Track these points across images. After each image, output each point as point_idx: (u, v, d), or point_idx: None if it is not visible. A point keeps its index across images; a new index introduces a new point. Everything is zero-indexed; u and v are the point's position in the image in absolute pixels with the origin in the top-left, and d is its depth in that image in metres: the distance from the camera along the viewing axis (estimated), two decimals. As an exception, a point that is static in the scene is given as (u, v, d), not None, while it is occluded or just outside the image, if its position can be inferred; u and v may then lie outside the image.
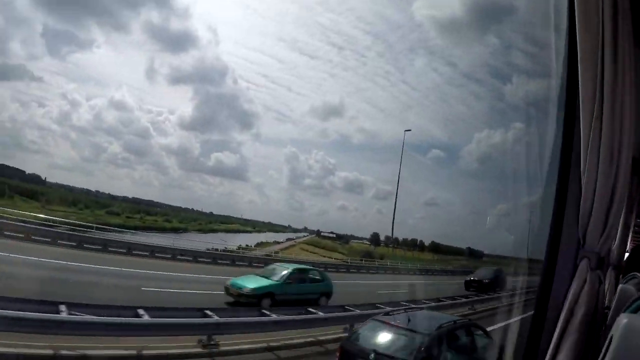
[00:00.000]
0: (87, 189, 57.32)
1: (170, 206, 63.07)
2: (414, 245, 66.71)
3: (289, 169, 79.84)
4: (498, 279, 20.16)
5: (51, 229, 17.90)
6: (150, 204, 61.43)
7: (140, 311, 7.19)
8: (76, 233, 18.35)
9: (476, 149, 76.44)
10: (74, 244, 16.03)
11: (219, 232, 54.31)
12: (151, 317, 7.09)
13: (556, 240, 1.74)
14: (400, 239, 66.50)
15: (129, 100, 74.61)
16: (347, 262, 34.86)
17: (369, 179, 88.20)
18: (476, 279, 20.85)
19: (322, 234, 63.56)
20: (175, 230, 45.50)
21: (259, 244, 41.46)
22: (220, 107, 76.22)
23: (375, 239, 67.34)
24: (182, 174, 77.97)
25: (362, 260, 40.63)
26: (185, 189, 75.12)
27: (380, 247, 65.47)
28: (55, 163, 71.67)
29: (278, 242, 52.42)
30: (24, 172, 53.35)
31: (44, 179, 53.30)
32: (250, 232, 61.04)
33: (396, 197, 45.03)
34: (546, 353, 1.65)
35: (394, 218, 46.87)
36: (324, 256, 44.84)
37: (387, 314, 6.77)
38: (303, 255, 39.20)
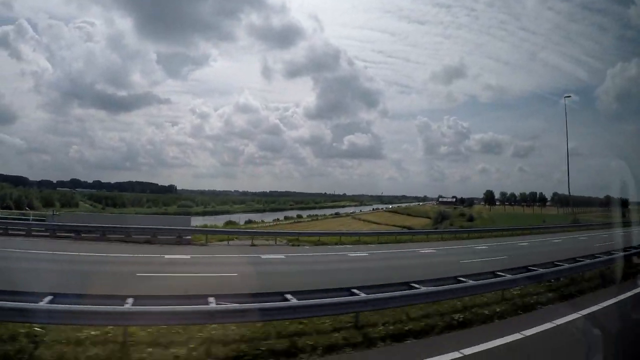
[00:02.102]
0: (226, 190, 65.56)
1: (309, 194, 67.83)
2: (532, 199, 58.44)
3: (422, 140, 78.03)
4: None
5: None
6: (288, 194, 66.71)
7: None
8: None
9: (612, 87, 63.28)
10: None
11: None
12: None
13: None
14: (526, 193, 58.53)
15: (253, 102, 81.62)
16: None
17: (506, 137, 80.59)
18: None
19: (441, 200, 60.71)
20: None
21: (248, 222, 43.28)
22: (342, 90, 77.31)
23: (489, 197, 61.24)
24: (319, 162, 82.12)
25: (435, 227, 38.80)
26: (325, 175, 79.19)
27: (496, 207, 58.67)
28: (200, 172, 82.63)
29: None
30: (156, 184, 63.36)
31: (175, 188, 62.67)
32: (351, 206, 61.90)
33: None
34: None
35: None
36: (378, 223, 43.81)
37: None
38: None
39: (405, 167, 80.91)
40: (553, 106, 73.24)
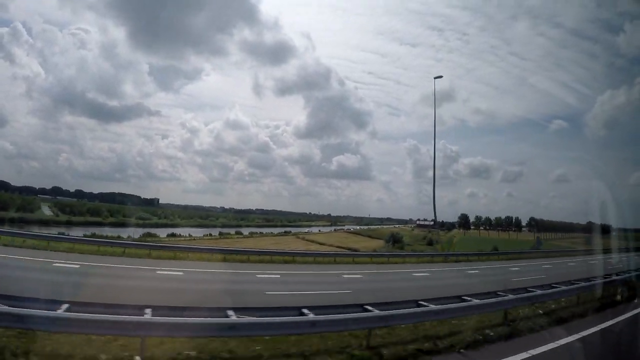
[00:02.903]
0: (214, 207, 64.12)
1: (295, 213, 67.09)
2: (508, 224, 59.90)
3: (411, 163, 78.73)
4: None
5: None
6: (274, 212, 65.78)
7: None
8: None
9: (601, 114, 66.70)
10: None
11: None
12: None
13: None
14: (502, 217, 59.18)
15: (244, 118, 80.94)
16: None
17: (495, 162, 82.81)
18: None
19: (419, 223, 61.64)
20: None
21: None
22: (333, 110, 77.73)
23: (463, 221, 62.20)
24: (308, 181, 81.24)
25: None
26: (313, 195, 78.20)
27: (471, 232, 59.57)
28: (188, 187, 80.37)
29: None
30: (139, 197, 62.31)
31: (157, 202, 61.32)
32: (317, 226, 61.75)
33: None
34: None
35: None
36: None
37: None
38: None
39: (393, 189, 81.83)
40: (542, 132, 75.75)
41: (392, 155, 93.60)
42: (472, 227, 61.11)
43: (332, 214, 69.30)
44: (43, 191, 56.54)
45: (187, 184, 78.34)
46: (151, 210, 58.35)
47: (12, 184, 54.66)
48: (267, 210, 67.61)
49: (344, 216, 68.27)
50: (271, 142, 79.10)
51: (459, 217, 62.34)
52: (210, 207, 63.85)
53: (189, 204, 65.43)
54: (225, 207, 64.54)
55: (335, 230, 61.71)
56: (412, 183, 76.27)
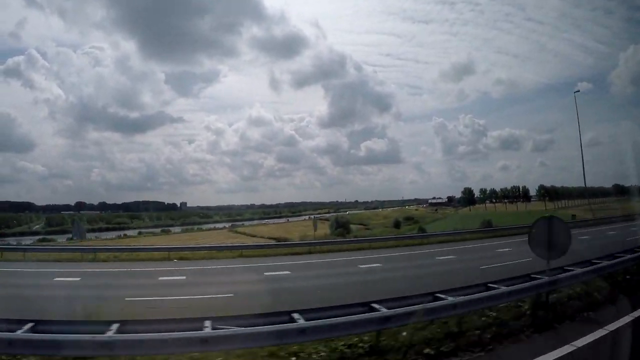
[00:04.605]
0: (244, 204, 64.05)
1: (326, 203, 67.79)
2: (515, 195, 57.21)
3: (440, 141, 77.31)
4: None
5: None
6: (307, 205, 65.49)
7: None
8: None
9: (626, 70, 63.41)
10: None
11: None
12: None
13: None
14: (508, 188, 56.54)
15: (266, 114, 79.85)
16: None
17: (523, 132, 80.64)
18: None
19: (431, 201, 60.34)
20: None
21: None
22: (354, 96, 75.95)
23: (468, 196, 59.94)
24: (339, 170, 79.89)
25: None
26: (345, 183, 77.11)
27: (476, 206, 56.90)
28: (220, 188, 79.70)
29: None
30: (163, 202, 66.21)
31: (179, 205, 63.42)
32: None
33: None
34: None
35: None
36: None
37: None
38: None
39: (425, 169, 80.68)
40: (567, 96, 73.18)
41: (419, 135, 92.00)
42: (480, 202, 58.56)
43: (360, 200, 68.42)
44: (68, 207, 58.68)
45: (219, 185, 78.64)
46: (171, 215, 60.01)
47: (35, 204, 58.33)
48: (296, 202, 67.27)
49: (371, 201, 67.49)
50: (297, 135, 78.34)
51: (462, 192, 60.23)
52: (241, 205, 66.24)
53: (222, 204, 68.24)
54: (256, 203, 65.04)
55: (309, 217, 57.86)
56: (442, 161, 74.78)
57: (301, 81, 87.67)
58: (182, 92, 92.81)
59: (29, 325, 5.26)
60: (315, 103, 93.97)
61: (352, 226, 42.70)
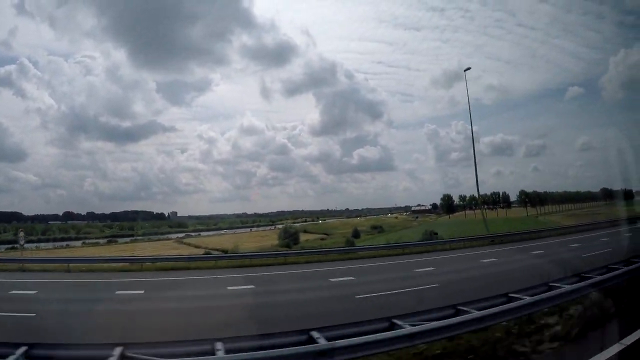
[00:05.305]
0: (234, 213, 65.27)
1: (318, 211, 68.21)
2: (495, 201, 57.36)
3: (432, 148, 76.94)
4: None
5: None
6: (300, 213, 67.05)
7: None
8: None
9: (616, 75, 65.22)
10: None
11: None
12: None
13: None
14: (487, 194, 56.26)
15: (257, 123, 79.22)
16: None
17: (516, 137, 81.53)
18: None
19: (414, 208, 60.92)
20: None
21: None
22: (345, 104, 75.82)
23: (447, 203, 60.30)
24: (332, 178, 79.26)
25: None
26: (339, 191, 76.55)
27: (456, 214, 56.99)
28: (214, 197, 77.86)
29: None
30: (151, 212, 64.53)
31: (167, 215, 64.64)
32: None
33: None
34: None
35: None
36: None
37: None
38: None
39: (418, 176, 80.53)
40: (559, 101, 73.78)
41: (411, 142, 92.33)
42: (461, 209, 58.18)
43: (351, 208, 69.19)
44: (56, 217, 58.20)
45: (213, 194, 77.38)
46: (158, 224, 60.64)
47: (24, 214, 57.11)
48: (289, 211, 67.60)
49: (361, 209, 68.00)
50: (289, 143, 77.03)
51: (441, 199, 60.14)
52: (233, 214, 65.45)
53: (214, 213, 66.56)
54: (248, 212, 66.46)
55: (275, 227, 53.13)
56: (435, 168, 75.26)
57: (292, 89, 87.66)
58: (174, 101, 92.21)
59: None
60: (306, 111, 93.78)
61: (310, 236, 41.60)
